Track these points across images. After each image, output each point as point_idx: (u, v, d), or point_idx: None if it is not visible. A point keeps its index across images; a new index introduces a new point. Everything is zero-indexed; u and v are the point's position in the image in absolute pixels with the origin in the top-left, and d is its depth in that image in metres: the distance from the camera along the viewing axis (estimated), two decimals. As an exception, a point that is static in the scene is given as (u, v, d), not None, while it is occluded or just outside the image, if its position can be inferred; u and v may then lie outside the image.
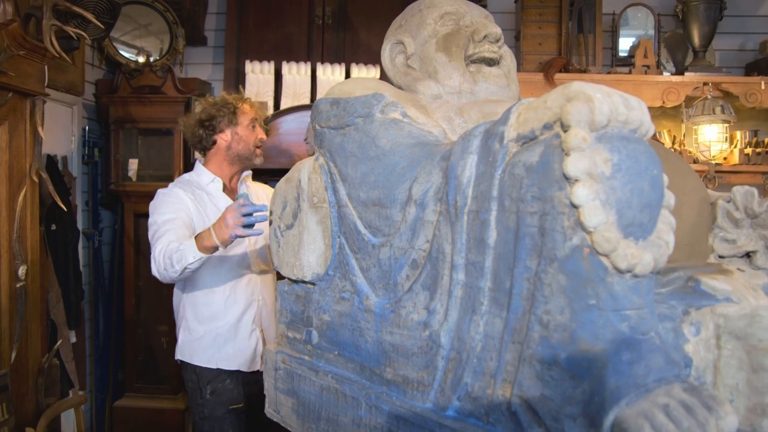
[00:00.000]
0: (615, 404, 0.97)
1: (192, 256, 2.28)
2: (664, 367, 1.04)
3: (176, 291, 2.72)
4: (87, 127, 3.95)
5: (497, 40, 1.68)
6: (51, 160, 3.40)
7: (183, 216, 2.50)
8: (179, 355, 2.66)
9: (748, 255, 1.49)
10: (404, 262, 1.31)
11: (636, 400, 0.98)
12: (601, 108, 0.98)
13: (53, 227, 3.23)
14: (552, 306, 1.02)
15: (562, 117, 1.00)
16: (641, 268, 0.99)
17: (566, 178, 0.98)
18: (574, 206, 0.97)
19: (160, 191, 2.61)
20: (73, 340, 3.37)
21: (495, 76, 1.67)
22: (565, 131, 1.00)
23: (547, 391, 1.03)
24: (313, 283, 1.60)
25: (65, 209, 2.88)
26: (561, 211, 0.99)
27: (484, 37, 1.66)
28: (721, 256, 1.49)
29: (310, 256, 1.58)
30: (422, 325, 1.26)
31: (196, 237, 2.31)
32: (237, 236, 2.23)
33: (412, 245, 1.28)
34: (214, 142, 2.68)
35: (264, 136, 2.75)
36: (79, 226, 3.73)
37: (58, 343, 2.82)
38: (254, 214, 2.18)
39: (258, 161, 2.72)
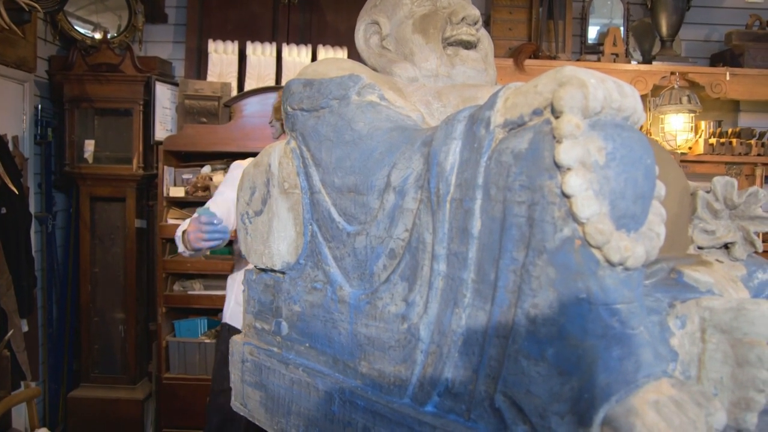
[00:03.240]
0: (605, 401, 0.93)
1: (181, 246, 2.48)
2: (652, 362, 1.01)
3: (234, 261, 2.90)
4: (39, 106, 3.78)
5: (475, 23, 1.63)
6: (0, 141, 3.23)
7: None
8: (227, 319, 2.77)
9: (726, 246, 1.48)
10: (381, 252, 1.25)
11: (626, 396, 0.95)
12: (595, 94, 0.94)
13: (3, 210, 3.08)
14: (540, 299, 0.97)
15: (553, 102, 0.95)
16: (633, 261, 0.95)
17: (557, 166, 0.94)
18: (566, 196, 0.93)
19: None
20: (25, 329, 3.23)
21: (473, 59, 1.62)
22: (557, 117, 0.95)
23: (533, 388, 0.99)
24: (283, 272, 1.53)
25: (16, 192, 2.74)
26: (551, 200, 0.95)
27: (462, 19, 1.61)
28: (700, 247, 1.47)
29: (281, 244, 1.51)
30: (400, 317, 1.21)
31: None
32: (203, 248, 2.42)
33: (390, 234, 1.23)
34: None
35: None
36: (32, 209, 3.57)
37: (9, 333, 2.69)
38: (208, 236, 2.35)
39: None
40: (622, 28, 3.87)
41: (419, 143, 1.20)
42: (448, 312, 1.11)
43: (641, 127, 3.60)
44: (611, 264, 0.94)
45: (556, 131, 0.95)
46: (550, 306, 0.96)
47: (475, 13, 1.64)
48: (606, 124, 0.96)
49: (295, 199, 1.46)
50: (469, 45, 1.63)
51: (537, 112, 1.00)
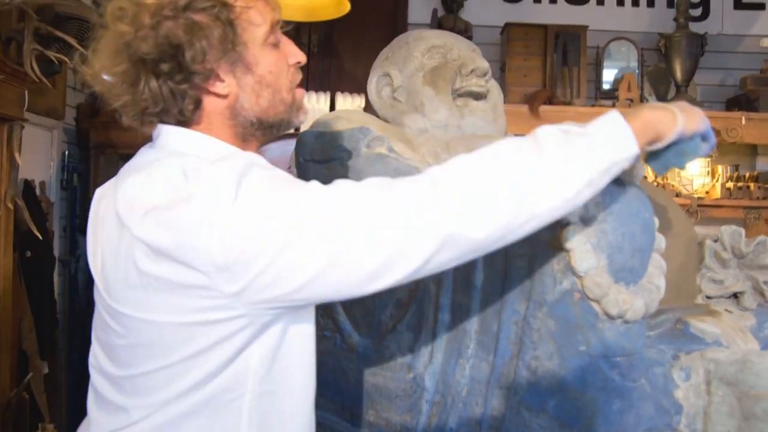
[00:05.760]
0: (605, 455, 0.94)
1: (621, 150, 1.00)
2: (654, 415, 1.01)
3: None
4: (67, 152, 3.89)
5: (484, 74, 1.67)
6: (28, 185, 3.33)
7: None
8: None
9: (735, 296, 1.48)
10: (388, 302, 1.27)
11: (627, 450, 0.96)
12: (591, 150, 0.97)
13: (28, 254, 3.16)
14: (540, 352, 0.99)
15: (552, 158, 0.98)
16: (632, 314, 0.97)
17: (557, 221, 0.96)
18: (565, 250, 0.95)
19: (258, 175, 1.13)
20: (46, 371, 3.27)
21: (482, 110, 1.65)
22: (555, 173, 0.98)
23: (535, 440, 1.00)
24: (295, 319, 1.56)
25: (40, 237, 2.82)
26: (551, 254, 0.97)
27: (472, 71, 1.65)
28: (708, 297, 1.47)
29: (292, 291, 1.54)
30: (406, 366, 1.23)
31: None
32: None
33: (397, 284, 1.25)
34: (197, 104, 0.98)
35: (303, 57, 1.11)
36: (56, 252, 3.65)
37: (29, 375, 2.73)
38: None
39: (301, 118, 1.15)
40: (636, 74, 3.90)
41: (425, 195, 1.23)
42: (453, 362, 1.13)
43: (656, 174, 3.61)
44: (610, 317, 0.96)
45: (555, 186, 0.97)
46: (550, 358, 0.98)
47: (485, 65, 1.68)
48: (603, 180, 0.99)
49: (307, 247, 1.49)
50: (478, 96, 1.66)
51: (537, 168, 1.03)
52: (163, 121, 0.97)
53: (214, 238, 0.82)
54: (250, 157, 0.95)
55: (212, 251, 0.82)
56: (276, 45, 1.01)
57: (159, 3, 0.91)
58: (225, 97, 0.97)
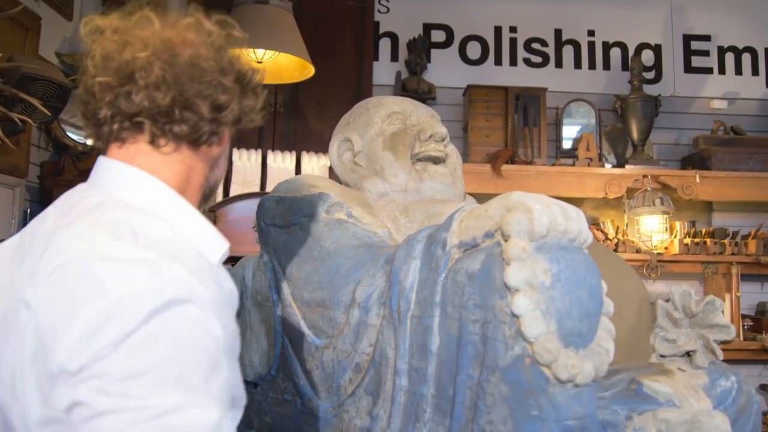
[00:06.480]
0: None
1: None
2: (608, 478, 1.03)
3: None
4: (29, 210, 3.85)
5: (443, 139, 1.72)
6: (-12, 245, 3.28)
7: None
8: None
9: (688, 354, 1.51)
10: (347, 366, 1.28)
11: None
12: (540, 219, 1.01)
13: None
14: (494, 416, 1.00)
15: (502, 226, 1.02)
16: (582, 378, 0.99)
17: (507, 287, 0.99)
18: (515, 316, 0.98)
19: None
20: None
21: (441, 174, 1.69)
22: (506, 240, 1.02)
23: (491, 506, 1.00)
24: (256, 384, 1.55)
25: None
26: (502, 320, 1.00)
27: (430, 136, 1.70)
28: (662, 356, 1.50)
29: (253, 355, 1.53)
30: (365, 431, 1.23)
31: None
32: None
33: (356, 348, 1.26)
34: (220, 137, 1.03)
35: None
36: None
37: None
38: None
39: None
40: (595, 134, 4.04)
41: (382, 261, 1.26)
42: (410, 427, 1.13)
43: (617, 228, 3.69)
44: (560, 381, 0.98)
45: (505, 254, 1.01)
46: (504, 422, 0.99)
47: (443, 130, 1.73)
48: (552, 247, 1.02)
49: (268, 311, 1.50)
50: (437, 160, 1.71)
51: (488, 235, 1.06)
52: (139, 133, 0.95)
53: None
54: (192, 287, 0.83)
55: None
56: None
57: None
58: (217, 147, 1.02)
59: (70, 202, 0.96)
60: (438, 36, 4.36)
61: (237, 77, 0.99)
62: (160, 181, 0.95)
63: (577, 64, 4.40)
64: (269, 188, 3.72)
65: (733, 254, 3.77)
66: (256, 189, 3.66)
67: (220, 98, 0.95)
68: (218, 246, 0.98)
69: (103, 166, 0.97)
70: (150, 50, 0.91)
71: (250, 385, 1.56)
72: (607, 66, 4.40)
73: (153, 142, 0.95)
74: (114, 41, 0.93)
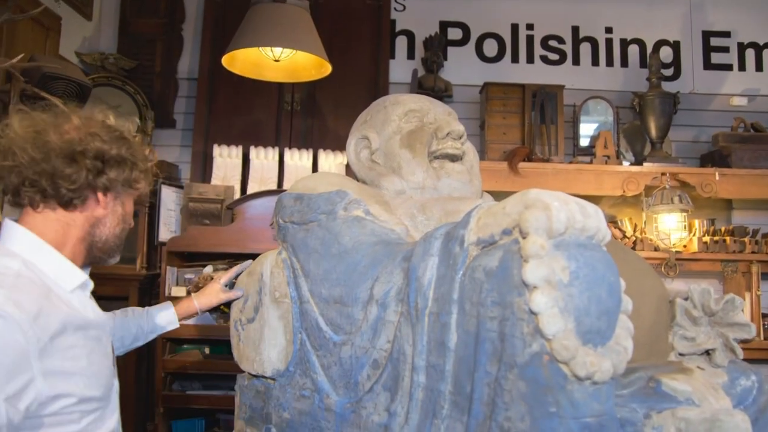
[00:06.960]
0: None
1: None
2: (626, 475, 1.02)
3: None
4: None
5: (460, 137, 1.72)
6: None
7: None
8: None
9: (707, 353, 1.50)
10: (365, 362, 1.29)
11: None
12: (558, 216, 1.00)
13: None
14: (512, 413, 1.00)
15: (520, 224, 1.02)
16: (600, 375, 0.99)
17: (525, 284, 0.99)
18: (533, 313, 0.98)
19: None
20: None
21: (458, 172, 1.70)
22: (524, 238, 1.02)
23: (509, 502, 1.00)
24: (274, 379, 1.56)
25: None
26: (520, 317, 1.00)
27: (447, 134, 1.70)
28: (681, 354, 1.50)
29: (271, 351, 1.55)
30: (383, 427, 1.23)
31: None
32: None
33: (374, 345, 1.27)
34: (84, 201, 1.31)
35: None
36: None
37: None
38: None
39: (114, 260, 1.46)
40: (612, 131, 4.01)
41: (400, 258, 1.26)
42: (428, 423, 1.14)
43: (635, 226, 3.66)
44: (579, 378, 0.97)
45: (523, 251, 1.01)
46: (522, 419, 0.99)
47: (460, 128, 1.73)
48: (570, 244, 1.02)
49: (286, 307, 1.51)
50: (454, 158, 1.71)
51: (506, 232, 1.06)
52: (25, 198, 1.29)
53: None
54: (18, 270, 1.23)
55: None
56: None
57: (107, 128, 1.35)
58: (100, 212, 1.34)
59: None
60: (454, 34, 4.36)
61: (95, 155, 1.29)
62: (32, 234, 1.27)
63: (595, 62, 4.37)
64: (286, 186, 3.74)
65: (753, 252, 3.74)
66: (273, 186, 3.68)
67: (65, 171, 1.25)
68: (73, 277, 1.31)
69: (5, 225, 1.30)
70: (20, 138, 1.26)
71: (268, 380, 1.58)
72: (624, 63, 4.38)
73: (32, 205, 1.28)
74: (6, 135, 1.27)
